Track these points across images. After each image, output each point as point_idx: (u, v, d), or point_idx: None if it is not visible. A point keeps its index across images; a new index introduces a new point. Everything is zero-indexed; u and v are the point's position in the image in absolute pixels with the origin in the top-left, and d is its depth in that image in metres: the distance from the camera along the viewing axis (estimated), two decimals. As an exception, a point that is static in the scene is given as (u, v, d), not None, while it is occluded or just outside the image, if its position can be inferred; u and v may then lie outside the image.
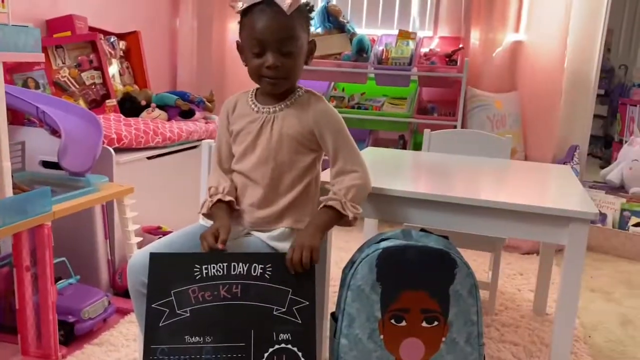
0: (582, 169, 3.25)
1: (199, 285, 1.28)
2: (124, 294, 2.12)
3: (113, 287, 2.15)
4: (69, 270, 1.92)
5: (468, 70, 3.06)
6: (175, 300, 1.27)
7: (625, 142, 3.46)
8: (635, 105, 4.92)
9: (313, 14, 1.41)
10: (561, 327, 1.45)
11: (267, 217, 1.38)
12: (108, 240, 2.13)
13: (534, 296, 2.21)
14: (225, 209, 1.37)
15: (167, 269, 1.28)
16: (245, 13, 1.31)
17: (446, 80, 3.22)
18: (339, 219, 1.34)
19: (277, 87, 1.35)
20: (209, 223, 1.44)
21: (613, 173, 3.29)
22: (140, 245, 2.02)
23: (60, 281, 1.85)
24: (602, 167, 3.57)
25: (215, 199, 1.37)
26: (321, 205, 1.34)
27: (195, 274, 1.29)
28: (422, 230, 1.46)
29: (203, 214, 1.41)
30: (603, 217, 3.13)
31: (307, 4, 1.35)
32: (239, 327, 1.26)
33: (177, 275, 1.28)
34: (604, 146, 5.96)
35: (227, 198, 1.38)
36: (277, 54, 1.29)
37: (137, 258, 1.37)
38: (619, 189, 3.26)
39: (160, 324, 1.26)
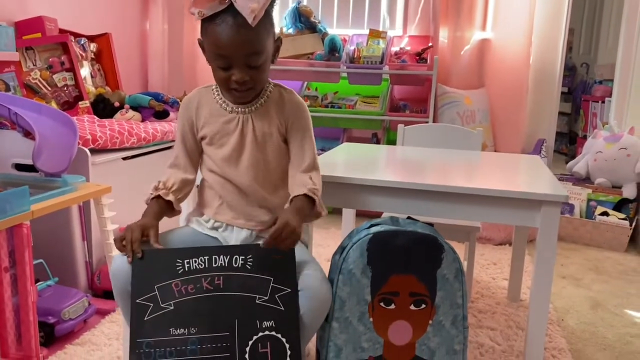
0: (549, 161, 3.35)
1: (181, 279, 1.29)
2: (103, 295, 2.11)
3: (92, 288, 2.12)
4: (47, 272, 1.90)
5: (438, 68, 3.13)
6: (159, 294, 1.28)
7: (589, 137, 3.58)
8: (597, 102, 5.09)
9: (275, 5, 1.32)
10: (536, 309, 1.50)
11: (256, 216, 1.40)
12: (86, 242, 2.11)
13: (508, 284, 2.27)
14: (163, 206, 1.36)
15: (149, 265, 1.29)
16: (207, 18, 1.23)
17: (417, 78, 3.29)
18: (310, 212, 1.35)
19: (247, 97, 1.33)
20: (201, 226, 1.45)
21: (579, 165, 3.41)
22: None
23: (38, 283, 1.83)
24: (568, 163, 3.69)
25: (157, 193, 1.36)
26: (301, 193, 1.33)
27: (178, 268, 1.30)
28: (409, 217, 1.50)
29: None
30: (571, 207, 3.23)
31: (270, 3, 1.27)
32: (223, 317, 1.27)
33: (160, 270, 1.29)
34: (569, 142, 6.15)
35: (169, 197, 1.36)
36: (244, 69, 1.25)
37: (119, 263, 1.30)
38: (584, 180, 3.38)
39: (145, 318, 1.26)
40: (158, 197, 1.36)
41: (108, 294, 2.09)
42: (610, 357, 1.82)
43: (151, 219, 1.33)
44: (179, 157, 1.42)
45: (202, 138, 1.40)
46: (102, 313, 1.96)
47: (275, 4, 1.29)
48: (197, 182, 1.48)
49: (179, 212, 1.42)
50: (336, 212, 3.52)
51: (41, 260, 1.87)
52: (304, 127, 1.39)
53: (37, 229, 1.73)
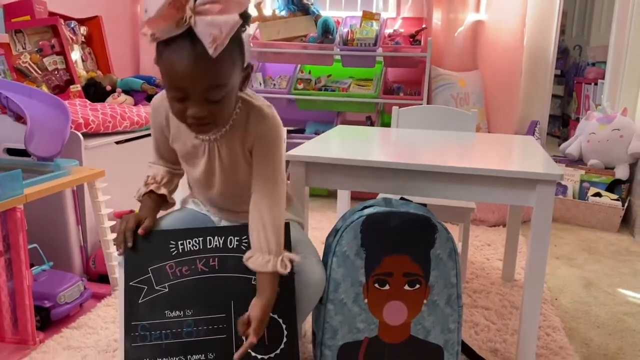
0: (542, 143, 3.36)
1: (175, 261, 1.29)
2: (99, 279, 2.11)
3: (87, 273, 2.12)
4: (42, 256, 1.89)
5: (432, 50, 3.12)
6: (153, 276, 1.28)
7: (582, 119, 3.59)
8: (590, 84, 5.10)
9: (247, 28, 1.12)
10: (531, 287, 1.51)
11: (236, 213, 1.39)
12: (80, 226, 2.10)
13: (503, 264, 2.29)
14: (156, 200, 1.35)
15: (142, 247, 1.29)
16: (162, 41, 1.05)
17: (411, 60, 3.27)
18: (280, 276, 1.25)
19: (205, 131, 1.21)
20: (198, 207, 1.45)
21: (572, 147, 3.42)
22: (113, 229, 2.01)
23: (33, 267, 1.82)
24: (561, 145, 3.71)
25: (149, 188, 1.35)
26: (267, 271, 1.22)
27: (172, 250, 1.30)
28: (402, 198, 1.50)
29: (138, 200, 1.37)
30: (564, 188, 3.25)
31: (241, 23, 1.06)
32: (219, 299, 1.28)
33: (153, 252, 1.29)
34: (561, 125, 6.16)
35: (162, 191, 1.35)
36: (202, 103, 1.09)
37: None
38: (577, 161, 3.39)
39: (140, 301, 1.26)
40: (150, 192, 1.35)
41: (103, 278, 2.08)
42: (603, 335, 1.84)
43: (147, 211, 1.32)
44: (159, 159, 1.40)
45: (172, 144, 1.34)
46: (98, 297, 1.96)
47: (247, 26, 1.11)
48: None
49: (172, 204, 1.41)
50: (331, 195, 3.52)
51: (35, 245, 1.86)
52: (267, 152, 1.25)
53: (31, 214, 1.72)
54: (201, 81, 1.06)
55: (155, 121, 1.33)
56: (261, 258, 1.22)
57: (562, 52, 6.09)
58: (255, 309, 1.22)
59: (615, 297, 2.16)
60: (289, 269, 1.24)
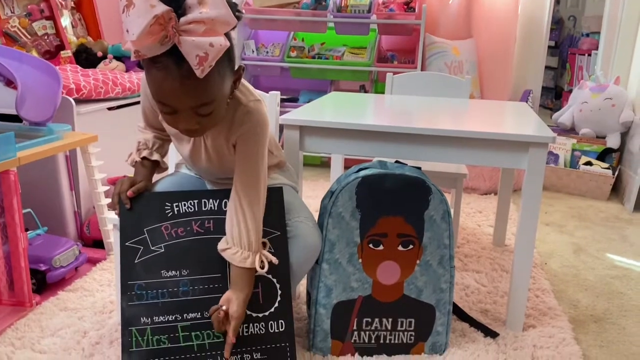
0: (535, 111, 3.37)
1: (171, 222, 1.31)
2: (93, 244, 2.12)
3: (81, 238, 2.13)
4: (36, 221, 1.89)
5: (426, 18, 3.09)
6: (148, 237, 1.29)
7: (576, 88, 3.59)
8: (584, 55, 5.09)
9: (235, 31, 1.11)
10: (522, 248, 1.54)
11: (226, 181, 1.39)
12: (74, 192, 2.10)
13: (493, 230, 2.31)
14: (150, 166, 1.35)
15: (138, 208, 1.29)
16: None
17: (405, 28, 3.24)
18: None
19: (197, 136, 1.23)
20: (192, 171, 1.46)
21: (564, 116, 3.43)
22: (107, 194, 2.01)
23: (28, 232, 1.82)
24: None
25: (141, 154, 1.34)
26: (245, 267, 1.24)
27: (167, 211, 1.31)
28: (397, 162, 1.51)
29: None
30: (555, 157, 3.27)
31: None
32: (214, 259, 1.29)
33: (149, 213, 1.30)
34: (554, 97, 6.17)
35: (154, 157, 1.35)
36: (192, 117, 1.07)
37: None
38: (569, 131, 3.41)
39: (136, 261, 1.28)
40: (143, 158, 1.35)
41: (98, 244, 2.09)
42: (590, 297, 1.88)
43: (141, 177, 1.33)
44: (147, 127, 1.39)
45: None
46: (93, 262, 1.97)
47: (241, 14, 1.07)
48: None
49: (165, 169, 1.41)
50: (324, 164, 3.53)
51: (29, 209, 1.86)
52: (249, 150, 1.24)
53: (25, 180, 1.72)
54: (189, 100, 1.04)
55: (145, 92, 1.29)
56: (240, 253, 1.24)
57: (557, 23, 6.06)
58: (233, 305, 1.23)
59: (603, 262, 2.20)
60: (266, 269, 1.25)
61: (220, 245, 1.27)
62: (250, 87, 1.28)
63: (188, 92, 1.02)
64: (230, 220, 1.26)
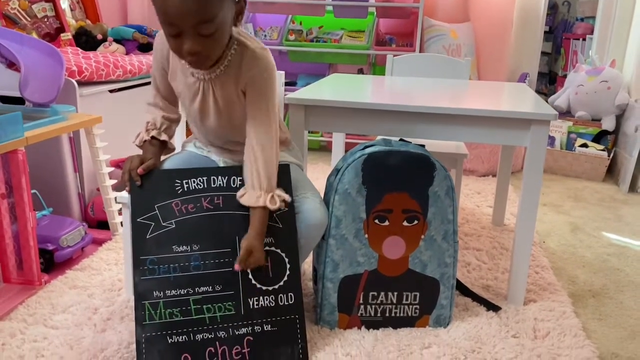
0: (532, 95, 3.40)
1: (181, 199, 1.33)
2: (97, 226, 2.14)
3: (85, 220, 2.14)
4: (41, 202, 1.91)
5: (424, 0, 3.10)
6: (159, 213, 1.31)
7: (571, 71, 3.62)
8: (578, 39, 5.11)
9: None
10: (523, 226, 1.58)
11: (233, 150, 1.42)
12: (77, 173, 2.12)
13: (493, 210, 2.35)
14: (158, 145, 1.38)
15: (148, 186, 1.32)
16: None
17: (403, 11, 3.25)
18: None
19: (202, 66, 1.23)
20: (199, 149, 1.48)
21: (560, 99, 3.46)
22: (110, 176, 2.03)
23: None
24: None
25: (150, 134, 1.37)
26: (259, 206, 1.28)
27: (177, 188, 1.33)
28: (401, 140, 1.54)
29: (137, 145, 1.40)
30: (552, 140, 3.31)
31: None
32: (224, 235, 1.32)
33: (159, 190, 1.33)
34: (548, 82, 6.20)
35: (163, 137, 1.38)
36: (195, 38, 1.13)
37: None
38: (565, 114, 3.44)
39: (147, 236, 1.30)
40: (151, 138, 1.37)
41: (102, 225, 2.11)
42: (588, 273, 1.93)
43: (150, 155, 1.35)
44: (157, 98, 1.41)
45: (170, 81, 1.37)
46: (98, 242, 1.99)
47: None
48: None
49: (173, 149, 1.44)
50: (323, 149, 3.55)
51: (35, 190, 1.88)
52: (259, 95, 1.28)
53: (30, 162, 1.72)
54: (191, 17, 1.09)
55: (157, 59, 1.36)
56: (252, 194, 1.28)
57: (551, 8, 6.07)
58: (244, 240, 1.28)
59: (599, 240, 2.24)
60: (278, 205, 1.29)
61: (238, 193, 1.32)
62: (257, 40, 1.32)
63: (189, 8, 1.08)
64: (245, 168, 1.31)
